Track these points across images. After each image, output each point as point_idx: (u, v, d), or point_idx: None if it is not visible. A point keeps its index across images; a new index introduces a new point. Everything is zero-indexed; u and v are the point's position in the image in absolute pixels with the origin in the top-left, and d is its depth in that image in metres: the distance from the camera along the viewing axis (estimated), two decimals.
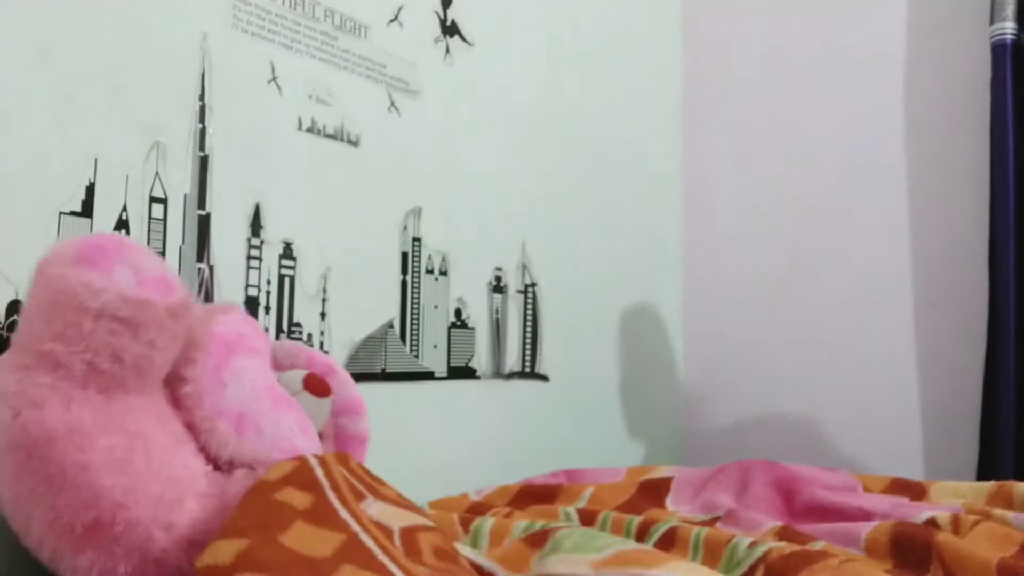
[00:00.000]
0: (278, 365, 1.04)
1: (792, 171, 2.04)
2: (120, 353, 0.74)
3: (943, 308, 1.75)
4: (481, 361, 1.61)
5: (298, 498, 0.73)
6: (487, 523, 1.01)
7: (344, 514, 0.73)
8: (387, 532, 0.75)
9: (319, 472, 0.77)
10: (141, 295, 0.76)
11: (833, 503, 1.17)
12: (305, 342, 1.29)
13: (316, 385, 0.99)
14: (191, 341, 0.83)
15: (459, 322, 1.57)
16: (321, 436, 1.03)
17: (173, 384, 0.82)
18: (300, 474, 0.76)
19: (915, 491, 1.26)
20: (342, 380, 1.08)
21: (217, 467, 0.81)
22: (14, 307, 0.96)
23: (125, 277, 0.76)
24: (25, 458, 0.72)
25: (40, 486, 0.72)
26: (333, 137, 1.36)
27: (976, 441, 1.72)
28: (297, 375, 1.00)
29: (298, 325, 1.29)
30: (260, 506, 0.71)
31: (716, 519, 1.19)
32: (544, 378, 1.76)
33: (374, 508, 0.78)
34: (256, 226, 1.24)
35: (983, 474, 1.68)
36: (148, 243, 1.11)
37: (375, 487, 0.83)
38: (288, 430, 0.85)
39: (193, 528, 0.74)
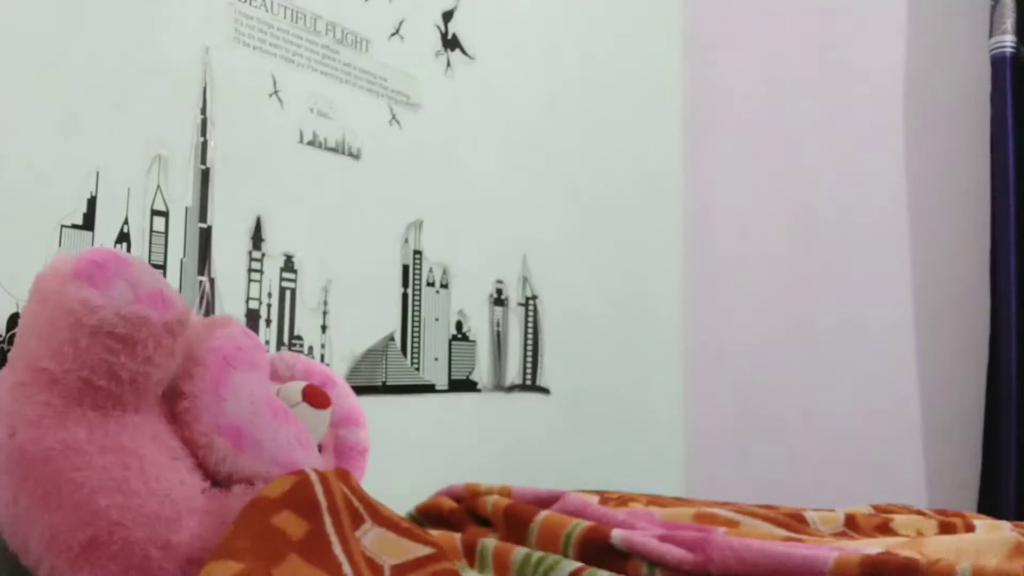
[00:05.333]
0: (276, 376, 1.04)
1: (792, 183, 2.04)
2: (117, 370, 0.74)
3: (944, 322, 1.75)
4: (482, 374, 1.61)
5: (294, 526, 0.72)
6: (489, 545, 1.00)
7: (338, 549, 0.73)
8: (378, 571, 0.74)
9: (319, 490, 0.77)
10: (138, 312, 0.75)
11: None
12: (306, 355, 1.29)
13: (315, 396, 0.98)
14: (190, 356, 0.82)
15: (460, 335, 1.57)
16: (321, 448, 1.03)
17: (171, 399, 0.82)
18: (299, 493, 0.76)
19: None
20: (341, 391, 1.08)
21: (215, 482, 0.81)
22: (15, 320, 0.96)
23: (123, 293, 0.76)
24: (22, 477, 0.72)
25: (37, 505, 0.72)
26: (334, 150, 1.36)
27: (979, 454, 1.71)
28: (296, 387, 0.99)
29: (299, 338, 1.30)
30: (257, 528, 0.71)
31: None
32: (545, 391, 1.76)
33: (371, 535, 0.77)
34: (257, 239, 1.24)
35: (986, 488, 1.68)
36: (149, 256, 1.11)
37: (375, 508, 0.82)
38: (287, 443, 0.85)
39: (191, 546, 0.74)
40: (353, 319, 1.37)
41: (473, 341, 1.60)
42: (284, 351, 1.24)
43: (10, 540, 0.76)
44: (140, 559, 0.71)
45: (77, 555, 0.71)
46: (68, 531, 0.71)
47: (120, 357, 0.74)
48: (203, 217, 1.17)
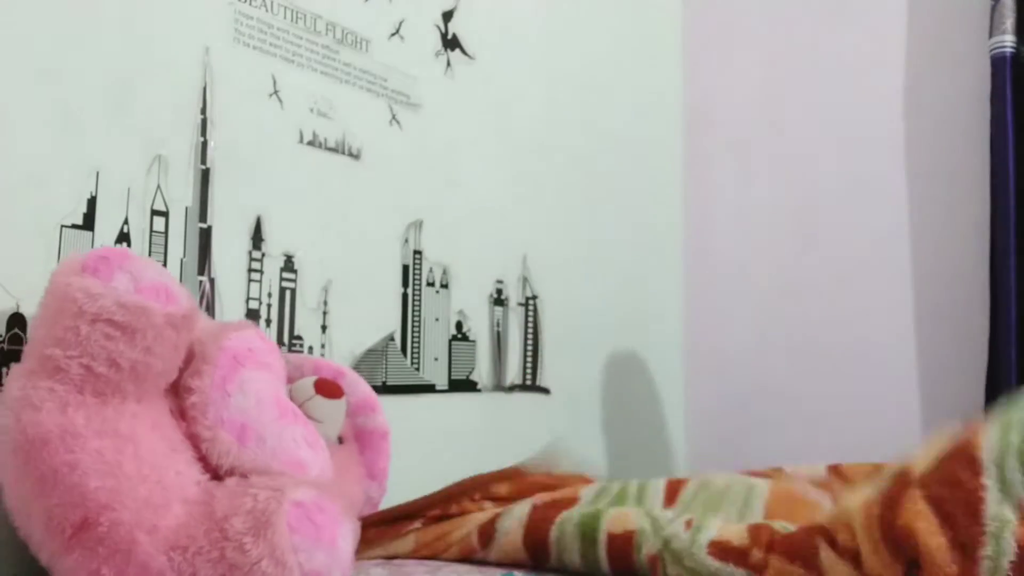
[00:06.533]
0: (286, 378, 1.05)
1: (792, 184, 2.05)
2: (116, 358, 0.76)
3: (944, 321, 1.75)
4: (482, 374, 1.61)
5: None
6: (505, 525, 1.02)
7: None
8: None
9: None
10: (138, 301, 0.77)
11: None
12: (306, 355, 1.29)
13: (327, 388, 1.00)
14: (201, 354, 0.84)
15: (460, 335, 1.57)
16: (342, 439, 1.04)
17: (181, 395, 0.83)
18: None
19: None
20: (352, 381, 1.09)
21: (217, 476, 0.82)
22: (15, 320, 0.96)
23: (123, 284, 0.78)
24: (24, 460, 0.74)
25: (36, 487, 0.73)
26: (334, 150, 1.36)
27: None
28: (308, 382, 1.01)
29: (299, 338, 1.30)
30: None
31: None
32: (545, 391, 1.76)
33: None
34: (257, 239, 1.24)
35: None
36: (149, 256, 1.11)
37: None
38: (291, 441, 0.85)
39: (176, 532, 0.75)
40: (353, 319, 1.37)
41: (473, 341, 1.60)
42: (288, 353, 1.24)
43: (18, 524, 0.78)
44: (127, 543, 0.73)
45: (69, 537, 0.73)
46: (61, 513, 0.73)
47: (119, 345, 0.76)
48: (203, 217, 1.17)
